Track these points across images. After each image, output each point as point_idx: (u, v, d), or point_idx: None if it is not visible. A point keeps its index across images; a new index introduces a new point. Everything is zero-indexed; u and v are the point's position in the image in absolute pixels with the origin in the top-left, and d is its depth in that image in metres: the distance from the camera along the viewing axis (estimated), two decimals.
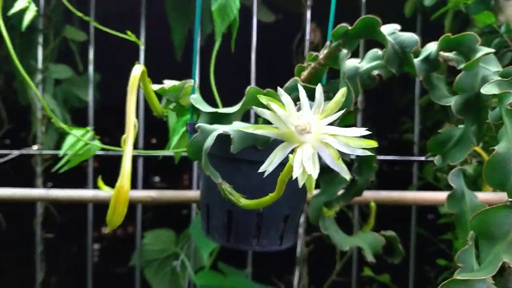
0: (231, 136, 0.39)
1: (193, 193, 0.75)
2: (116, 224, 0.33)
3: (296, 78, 0.48)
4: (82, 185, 1.07)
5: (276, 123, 0.28)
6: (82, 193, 0.77)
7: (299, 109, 0.29)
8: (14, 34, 1.03)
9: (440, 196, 0.70)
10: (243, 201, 0.39)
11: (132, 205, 1.12)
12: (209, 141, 0.38)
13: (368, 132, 0.26)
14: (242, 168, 0.44)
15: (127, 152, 0.34)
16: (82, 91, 1.17)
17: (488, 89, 0.32)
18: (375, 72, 0.44)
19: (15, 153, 1.08)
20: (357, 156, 0.48)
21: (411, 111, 1.08)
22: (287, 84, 0.48)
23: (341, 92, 0.28)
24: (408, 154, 1.04)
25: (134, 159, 0.84)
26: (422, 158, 1.00)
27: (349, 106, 0.41)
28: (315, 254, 1.03)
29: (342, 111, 0.28)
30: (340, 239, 0.56)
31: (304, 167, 0.26)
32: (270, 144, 0.42)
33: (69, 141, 0.54)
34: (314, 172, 0.26)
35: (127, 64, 0.45)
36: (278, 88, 0.30)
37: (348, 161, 0.50)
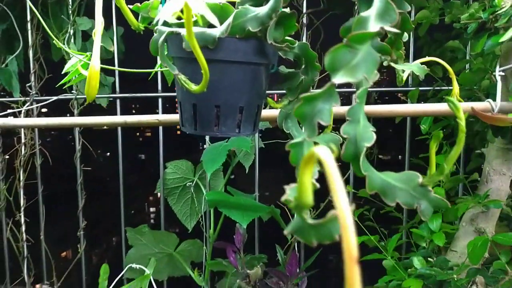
0: (182, 34, 0.48)
1: None
2: (92, 96, 0.44)
3: None
4: None
5: None
6: (115, 118, 0.91)
7: None
8: None
9: None
10: (194, 87, 0.49)
11: (156, 139, 1.27)
12: (162, 37, 0.48)
13: None
14: (199, 67, 0.53)
15: (97, 40, 0.45)
16: (108, 43, 1.30)
17: None
18: None
19: (53, 98, 1.26)
20: (305, 59, 0.56)
21: None
22: None
23: None
24: None
25: None
26: None
27: None
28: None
29: None
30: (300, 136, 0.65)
31: None
32: (218, 43, 0.51)
33: (72, 61, 0.66)
34: None
35: None
36: None
37: (295, 60, 0.58)
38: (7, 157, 1.35)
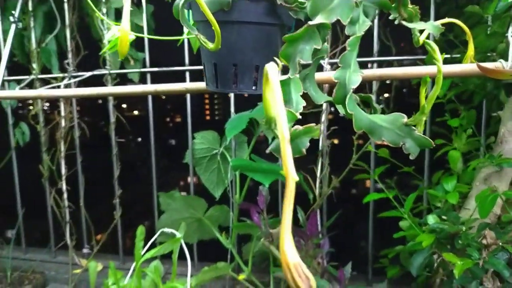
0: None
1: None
2: (124, 53, 0.50)
3: None
4: None
5: None
6: (145, 87, 0.98)
7: None
8: None
9: None
10: (210, 45, 0.54)
11: (183, 113, 1.34)
12: (182, 1, 0.53)
13: None
14: (220, 28, 0.59)
15: (126, 5, 0.51)
16: (140, 19, 1.38)
17: None
18: None
19: (89, 73, 1.35)
20: None
21: None
22: None
23: None
24: None
25: None
26: None
27: None
28: (334, 148, 1.16)
29: None
30: (318, 96, 0.69)
31: None
32: (232, 5, 0.55)
33: (111, 32, 0.73)
34: None
35: None
36: None
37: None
38: (49, 129, 1.47)
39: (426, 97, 0.46)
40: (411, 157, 0.44)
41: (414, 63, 0.99)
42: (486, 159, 0.79)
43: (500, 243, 0.70)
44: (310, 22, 0.37)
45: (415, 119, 0.44)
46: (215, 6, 0.55)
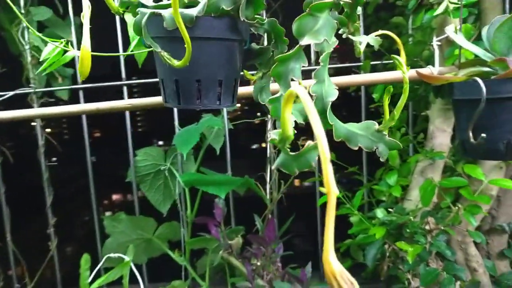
0: (163, 15, 0.53)
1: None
2: (85, 74, 0.48)
3: None
4: None
5: None
6: (86, 106, 0.92)
7: None
8: None
9: None
10: (176, 62, 0.54)
11: (124, 125, 1.28)
12: (145, 18, 0.52)
13: None
14: (181, 44, 0.58)
15: (86, 23, 0.48)
16: (66, 32, 1.29)
17: None
18: None
19: (11, 93, 1.23)
20: (274, 34, 0.62)
21: None
22: None
23: None
24: None
25: None
26: None
27: None
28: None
29: None
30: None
31: None
32: (196, 22, 0.56)
33: (48, 48, 0.68)
34: None
35: None
36: None
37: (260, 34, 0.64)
38: None
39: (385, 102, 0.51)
40: (381, 159, 0.49)
41: (350, 70, 1.07)
42: (421, 154, 0.89)
43: (442, 227, 0.79)
44: (301, 43, 0.40)
45: (385, 125, 0.48)
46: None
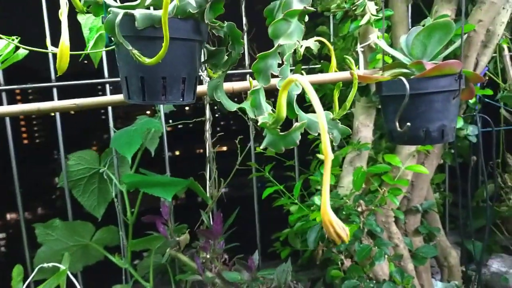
0: (135, 15, 0.56)
1: (118, 97, 0.86)
2: (63, 69, 0.48)
3: None
4: None
5: None
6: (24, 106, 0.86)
7: None
8: None
9: None
10: (147, 60, 0.57)
11: (55, 128, 1.22)
12: (119, 17, 0.54)
13: None
14: (148, 43, 0.61)
15: (64, 19, 0.49)
16: None
17: None
18: None
19: None
20: (231, 36, 0.68)
21: None
22: None
23: None
24: None
25: None
26: None
27: None
28: (219, 154, 1.26)
29: None
30: (229, 104, 0.77)
31: None
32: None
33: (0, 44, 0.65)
34: None
35: None
36: None
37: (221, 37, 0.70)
38: None
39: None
40: (334, 144, 0.58)
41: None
42: (350, 146, 1.02)
43: (373, 207, 0.92)
44: (280, 42, 0.46)
45: (338, 114, 0.57)
46: (147, 23, 0.58)
